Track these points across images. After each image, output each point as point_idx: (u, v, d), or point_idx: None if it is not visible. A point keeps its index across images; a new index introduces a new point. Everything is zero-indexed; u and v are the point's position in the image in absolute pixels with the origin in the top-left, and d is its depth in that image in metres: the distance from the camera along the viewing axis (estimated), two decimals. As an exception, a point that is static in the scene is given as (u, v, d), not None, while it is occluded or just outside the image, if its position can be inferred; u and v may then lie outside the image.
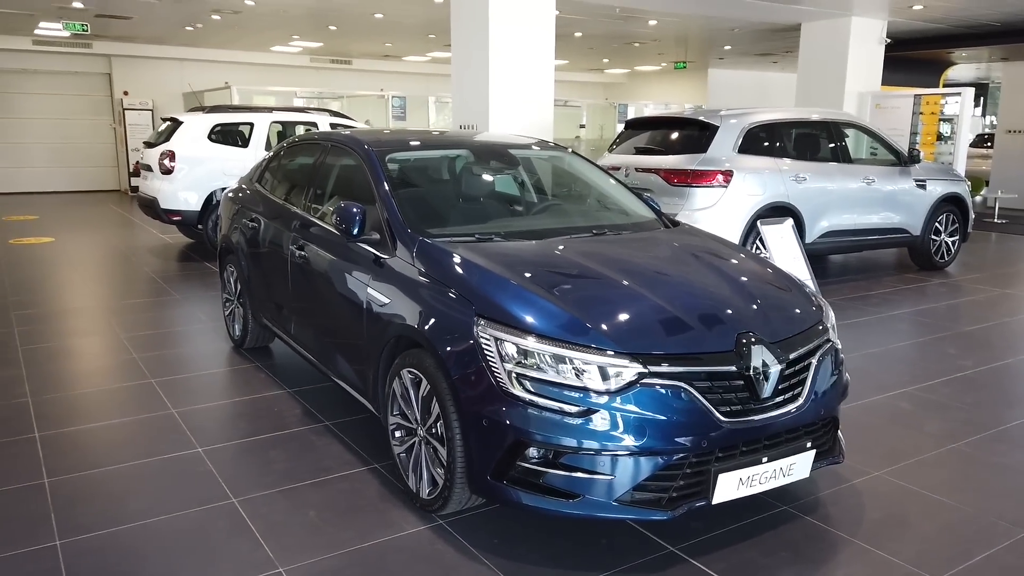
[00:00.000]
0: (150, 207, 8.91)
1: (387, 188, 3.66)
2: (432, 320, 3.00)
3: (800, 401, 2.91)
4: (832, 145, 7.91)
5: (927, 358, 5.42)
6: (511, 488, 2.71)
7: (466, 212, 3.98)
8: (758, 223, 4.12)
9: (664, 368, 2.68)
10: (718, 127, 7.21)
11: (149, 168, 9.00)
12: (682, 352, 2.74)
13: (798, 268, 4.12)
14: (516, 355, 2.69)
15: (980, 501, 3.31)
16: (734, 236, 6.95)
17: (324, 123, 9.56)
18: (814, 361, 3.01)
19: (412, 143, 4.28)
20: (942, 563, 2.83)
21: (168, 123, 9.19)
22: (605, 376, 2.64)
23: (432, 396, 2.95)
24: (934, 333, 6.03)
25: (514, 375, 2.68)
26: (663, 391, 2.65)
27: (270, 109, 9.66)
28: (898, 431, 4.07)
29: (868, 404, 4.46)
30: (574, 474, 2.64)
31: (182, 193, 8.63)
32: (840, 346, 3.28)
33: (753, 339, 2.85)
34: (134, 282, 7.74)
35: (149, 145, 9.28)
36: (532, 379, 2.66)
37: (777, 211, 7.25)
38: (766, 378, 2.81)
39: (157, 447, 3.74)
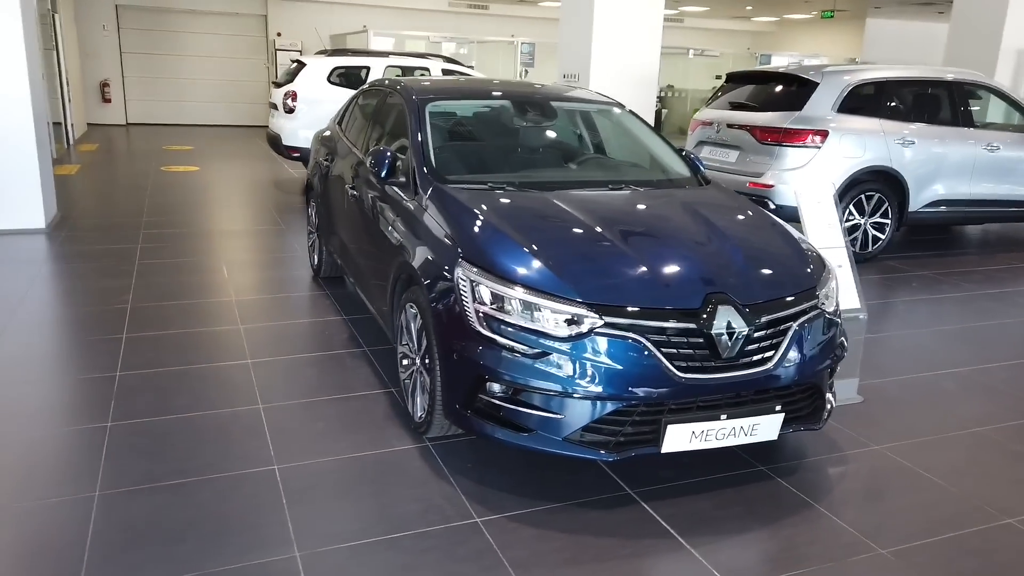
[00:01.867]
0: (274, 143, 9.64)
1: (420, 135, 3.91)
2: (425, 259, 3.26)
3: (770, 364, 2.95)
4: (952, 108, 7.34)
5: (1001, 340, 5.10)
6: (475, 418, 2.95)
7: (493, 161, 4.17)
8: (794, 187, 4.02)
9: (621, 320, 2.80)
10: (818, 83, 6.89)
11: (275, 107, 9.70)
12: (643, 306, 2.85)
13: (831, 236, 4.00)
14: (488, 298, 2.90)
15: (975, 486, 3.21)
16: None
17: (436, 69, 9.89)
18: (794, 326, 3.02)
19: (457, 92, 4.49)
20: (897, 538, 2.83)
21: (295, 65, 9.82)
22: (563, 323, 2.80)
23: (423, 329, 3.22)
24: (1025, 315, 5.63)
25: (482, 315, 2.90)
26: (618, 342, 2.79)
27: (386, 54, 10.10)
28: (925, 409, 3.94)
29: (909, 380, 4.32)
30: (529, 411, 2.84)
31: (302, 131, 9.26)
32: (835, 313, 3.24)
33: (721, 300, 2.90)
34: (253, 210, 8.49)
35: (277, 85, 9.98)
36: (497, 320, 2.87)
37: (877, 175, 6.91)
38: (730, 338, 2.87)
39: (214, 355, 4.25)
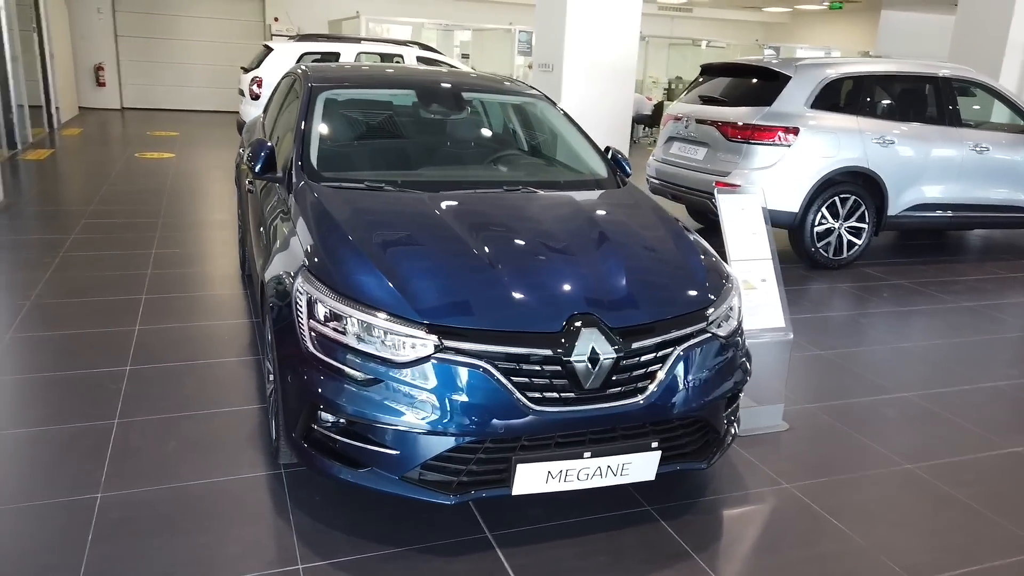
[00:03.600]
0: (242, 129, 9.34)
1: (303, 125, 3.59)
2: (271, 265, 2.93)
3: (645, 396, 2.59)
4: (939, 105, 6.88)
5: (967, 360, 4.69)
6: (311, 450, 2.62)
7: (385, 156, 3.83)
8: (713, 187, 3.64)
9: (464, 345, 2.46)
10: (790, 77, 6.46)
11: (242, 93, 9.41)
12: (491, 329, 2.50)
13: (756, 246, 3.63)
14: (323, 315, 2.56)
15: (886, 536, 2.84)
16: (794, 202, 6.32)
17: (411, 56, 9.54)
18: (677, 352, 2.66)
19: (361, 80, 4.14)
20: (777, 600, 2.47)
21: (263, 49, 9.52)
22: (397, 346, 2.47)
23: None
24: (999, 333, 5.20)
25: (315, 334, 2.57)
26: (459, 369, 2.44)
27: (358, 40, 9.76)
28: (854, 441, 3.56)
29: (847, 406, 3.94)
30: (363, 444, 2.51)
31: (267, 119, 8.96)
32: (733, 335, 2.88)
33: (585, 323, 2.55)
34: (211, 201, 8.20)
35: (245, 70, 9.69)
36: (330, 341, 2.53)
37: (853, 176, 6.48)
38: (593, 366, 2.52)
39: (93, 361, 3.95)
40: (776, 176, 6.29)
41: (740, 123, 6.42)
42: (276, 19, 17.77)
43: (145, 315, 4.64)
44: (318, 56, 9.37)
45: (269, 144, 3.51)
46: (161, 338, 4.31)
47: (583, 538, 2.72)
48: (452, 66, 10.06)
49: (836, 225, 6.53)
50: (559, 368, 2.50)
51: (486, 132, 4.22)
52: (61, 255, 5.80)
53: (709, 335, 2.77)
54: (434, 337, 2.45)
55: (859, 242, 6.64)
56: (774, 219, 6.46)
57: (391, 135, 4.02)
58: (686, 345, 2.69)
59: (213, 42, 17.95)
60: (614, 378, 2.57)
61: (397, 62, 9.60)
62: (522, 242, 2.92)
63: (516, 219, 3.12)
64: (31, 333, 4.28)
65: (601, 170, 3.86)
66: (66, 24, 15.71)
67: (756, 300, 3.54)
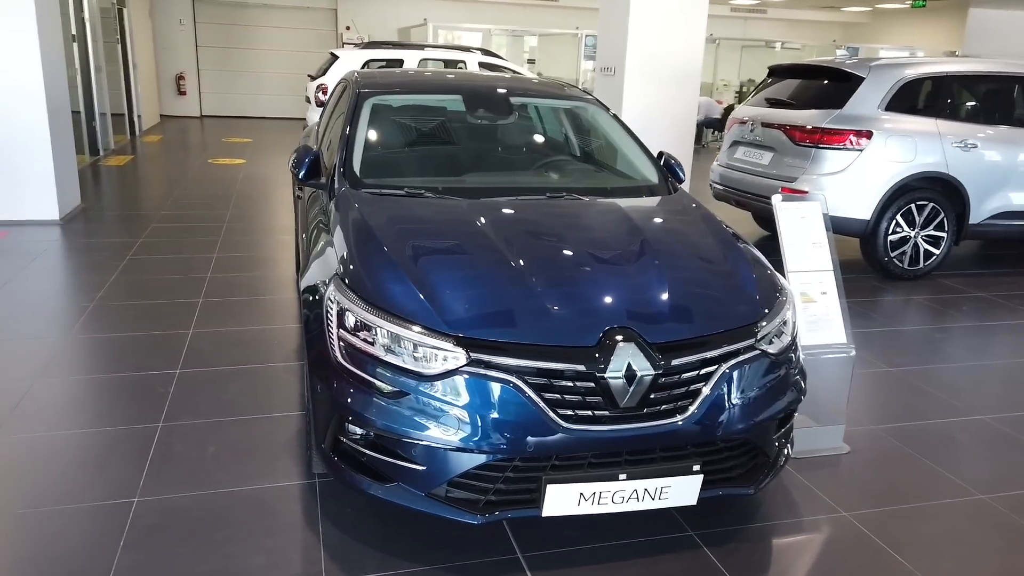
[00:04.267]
0: (308, 137, 9.50)
1: (349, 130, 3.57)
2: (308, 272, 2.90)
3: (686, 415, 2.45)
4: (1028, 107, 6.45)
5: (1052, 381, 4.34)
6: (340, 462, 2.56)
7: (429, 163, 3.77)
8: (772, 197, 3.46)
9: (494, 359, 2.36)
10: (863, 79, 6.16)
11: (308, 100, 9.57)
12: (522, 342, 2.40)
13: (817, 256, 3.42)
14: (352, 324, 2.51)
15: (951, 572, 2.61)
16: (866, 210, 6.01)
17: (472, 62, 9.53)
18: (723, 370, 2.51)
19: (408, 86, 4.09)
20: (826, 640, 2.29)
21: (329, 57, 9.66)
22: (426, 358, 2.39)
23: None
24: (1091, 351, 4.81)
25: (344, 344, 2.51)
26: (488, 383, 2.35)
27: (421, 46, 9.80)
28: (922, 467, 3.32)
29: (916, 428, 3.68)
30: (389, 459, 2.44)
31: (332, 125, 9.08)
32: (785, 352, 2.70)
33: (623, 338, 2.42)
34: (277, 206, 8.35)
35: (312, 78, 9.85)
36: (359, 352, 2.47)
37: (931, 182, 6.13)
38: (630, 383, 2.39)
39: (147, 363, 4.02)
40: (846, 182, 5.99)
41: (809, 126, 6.14)
42: (348, 28, 18.09)
43: (200, 318, 4.71)
44: (383, 63, 9.45)
45: (314, 150, 3.50)
46: (213, 342, 4.36)
47: (619, 563, 2.59)
48: (514, 71, 10.01)
49: (912, 234, 6.18)
50: (593, 385, 2.38)
51: (533, 137, 4.12)
52: (128, 258, 5.97)
53: (758, 352, 2.60)
54: (463, 350, 2.37)
55: (937, 252, 6.27)
56: (844, 227, 6.21)
57: (436, 141, 3.97)
58: (732, 363, 2.53)
59: (288, 51, 18.40)
60: (653, 396, 2.43)
61: (460, 68, 9.60)
62: (561, 251, 2.81)
63: (556, 227, 3.02)
64: (91, 335, 4.39)
65: (652, 176, 3.71)
66: (149, 35, 16.34)
67: (816, 314, 3.34)
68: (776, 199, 3.42)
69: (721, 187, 7.18)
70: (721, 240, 3.09)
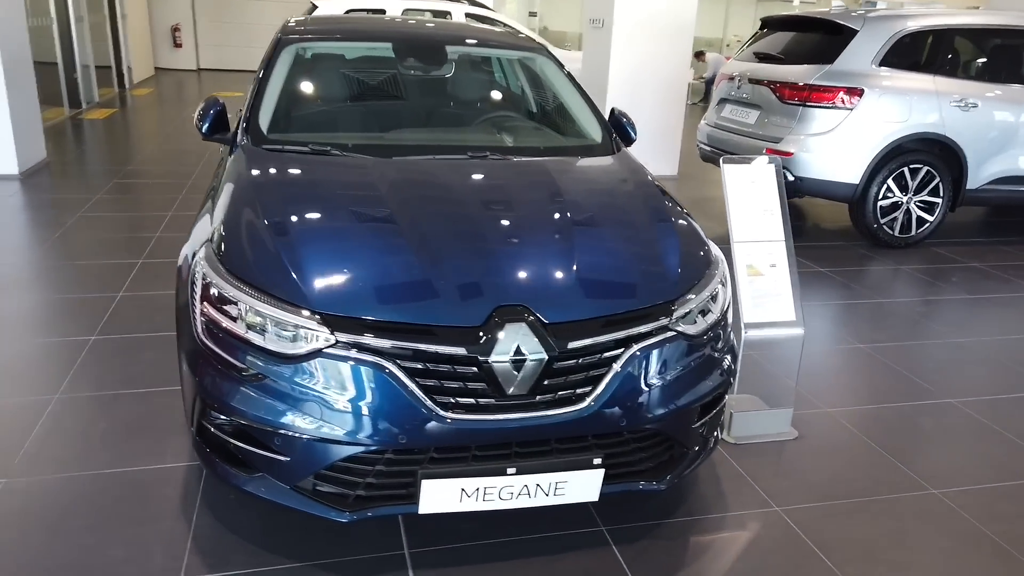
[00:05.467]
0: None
1: (260, 81, 3.28)
2: (191, 239, 2.63)
3: (584, 404, 2.18)
4: (1035, 63, 6.01)
5: (1035, 361, 4.03)
6: (207, 449, 2.32)
7: (342, 117, 3.45)
8: (721, 160, 3.13)
9: (360, 339, 2.09)
10: (857, 31, 5.74)
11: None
12: (395, 321, 2.13)
13: (769, 225, 3.11)
14: (215, 297, 2.25)
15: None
16: (854, 173, 5.64)
17: (459, 13, 9.11)
18: (630, 355, 2.23)
19: (335, 33, 3.76)
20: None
21: (309, 7, 9.28)
22: (289, 338, 2.13)
23: None
24: (1084, 328, 4.48)
25: (205, 320, 2.25)
26: (355, 366, 2.09)
27: (405, -5, 9.37)
28: (874, 456, 3.04)
29: (878, 411, 3.40)
30: (253, 448, 2.20)
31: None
32: (710, 333, 2.41)
33: (513, 317, 2.15)
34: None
35: (292, 29, 9.47)
36: (219, 328, 2.21)
37: (927, 144, 5.74)
38: (517, 368, 2.12)
39: (59, 328, 3.79)
40: (834, 143, 5.62)
41: (796, 83, 5.75)
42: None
43: (134, 281, 4.47)
44: (365, 13, 9.05)
45: (220, 101, 3.21)
46: (139, 306, 4.13)
47: (515, 562, 2.35)
48: (506, 25, 9.57)
49: (904, 199, 5.82)
50: (475, 370, 2.11)
51: (469, 91, 3.78)
52: (79, 215, 5.73)
53: (674, 333, 2.32)
54: (327, 329, 2.10)
55: (931, 219, 5.90)
56: (832, 191, 5.85)
57: (361, 93, 3.65)
58: (641, 346, 2.25)
59: (287, 1, 17.90)
60: (547, 383, 2.16)
61: (446, 19, 9.19)
62: (460, 219, 2.52)
63: (464, 191, 2.72)
64: (10, 299, 4.17)
65: (594, 135, 3.40)
66: (142, -15, 15.92)
67: (763, 288, 3.04)
68: (723, 161, 3.10)
69: (708, 148, 6.83)
70: (651, 207, 2.78)
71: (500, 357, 2.11)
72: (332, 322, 2.11)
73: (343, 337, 2.10)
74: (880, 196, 5.75)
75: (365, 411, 2.08)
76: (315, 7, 8.99)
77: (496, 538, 2.44)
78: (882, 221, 5.84)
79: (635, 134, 3.58)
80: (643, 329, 2.27)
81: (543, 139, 3.43)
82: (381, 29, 3.86)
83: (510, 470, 2.16)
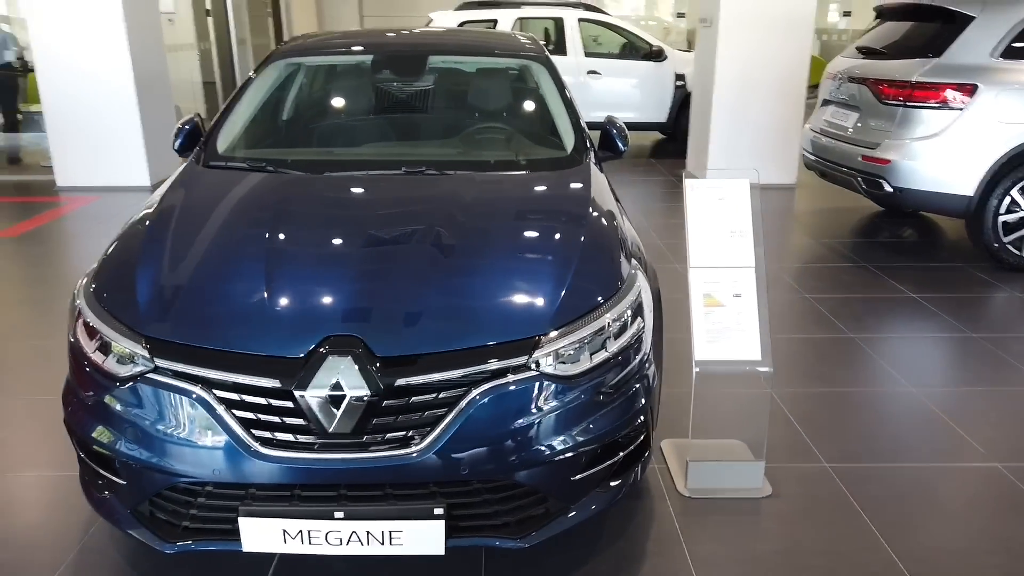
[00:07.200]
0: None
1: (232, 97, 3.34)
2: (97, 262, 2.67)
3: (419, 448, 1.98)
4: None
5: None
6: (80, 469, 2.35)
7: (309, 132, 3.41)
8: (683, 176, 2.76)
9: (177, 365, 2.03)
10: (973, 18, 4.93)
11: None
12: (212, 348, 2.04)
13: (736, 250, 2.68)
14: (79, 316, 2.28)
15: None
16: (968, 184, 4.86)
17: (572, 19, 8.92)
18: (473, 395, 1.99)
19: (319, 47, 3.71)
20: None
21: (427, 22, 9.48)
22: (118, 360, 2.11)
23: None
24: None
25: (73, 340, 2.29)
26: (171, 394, 2.02)
27: (518, 5, 9.30)
28: (857, 526, 2.53)
29: (892, 471, 2.85)
30: (100, 468, 2.20)
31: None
32: (587, 375, 2.10)
33: (334, 349, 1.98)
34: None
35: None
36: (78, 347, 2.24)
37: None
38: (335, 406, 1.95)
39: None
40: (941, 149, 4.87)
41: (896, 79, 5.04)
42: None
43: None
44: (472, 24, 9.10)
45: (195, 118, 3.29)
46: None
47: (364, 612, 2.18)
48: (623, 29, 9.24)
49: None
50: (291, 404, 1.97)
51: (437, 104, 3.61)
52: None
53: (535, 374, 2.04)
54: (146, 353, 2.05)
55: (1067, 238, 4.95)
56: (941, 205, 5.07)
57: (330, 109, 3.60)
58: (489, 386, 2.01)
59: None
60: (375, 422, 1.98)
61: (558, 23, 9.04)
62: (338, 241, 2.39)
63: (363, 210, 2.60)
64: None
65: (567, 146, 3.13)
66: (313, 8, 17.07)
67: (722, 321, 2.64)
68: (684, 176, 2.72)
69: (813, 156, 6.15)
70: (564, 228, 2.50)
71: (317, 392, 1.95)
72: (156, 347, 2.06)
73: (162, 363, 2.04)
74: (1001, 210, 4.90)
75: (179, 441, 2.01)
76: (431, 20, 9.17)
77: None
78: (1005, 240, 4.96)
79: (625, 145, 3.28)
80: (492, 367, 2.02)
81: (497, 153, 3.20)
82: (366, 41, 3.80)
83: (338, 514, 2.00)
